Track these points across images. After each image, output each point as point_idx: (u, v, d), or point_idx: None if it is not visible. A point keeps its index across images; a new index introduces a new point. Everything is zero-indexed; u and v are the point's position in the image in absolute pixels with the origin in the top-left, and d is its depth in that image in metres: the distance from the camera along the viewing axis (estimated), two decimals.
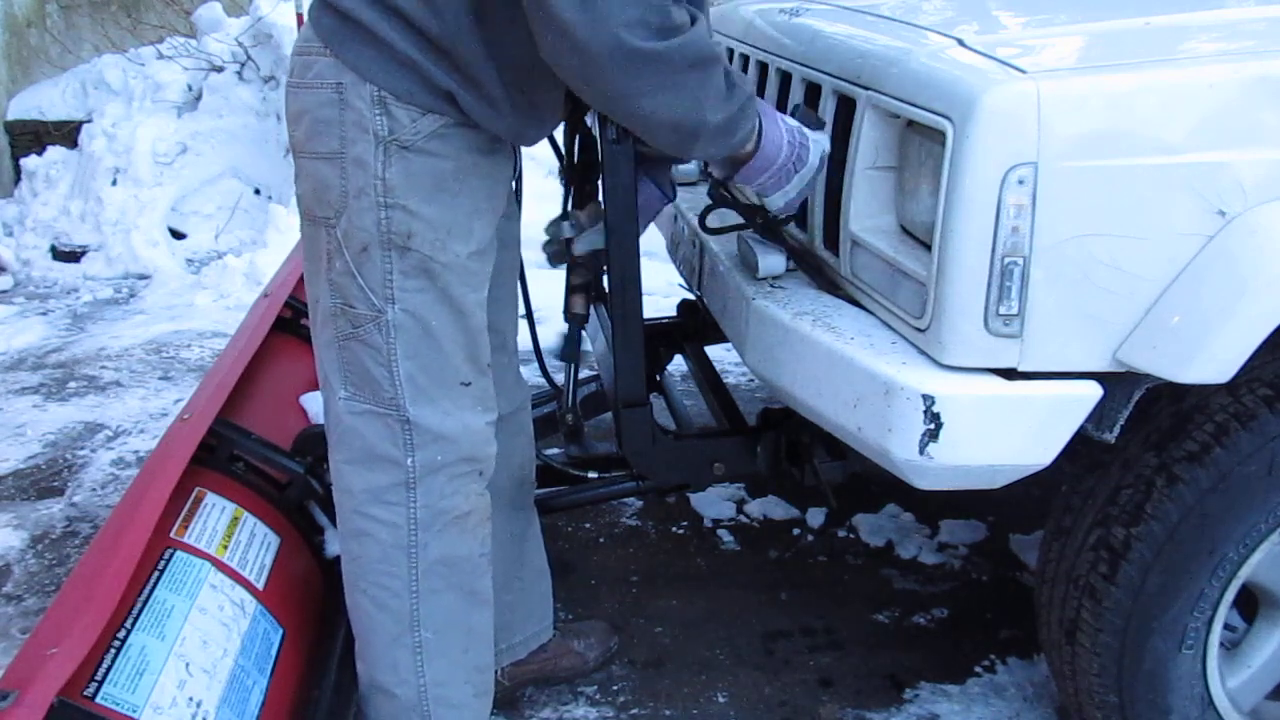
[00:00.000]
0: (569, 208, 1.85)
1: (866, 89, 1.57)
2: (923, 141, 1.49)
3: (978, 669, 2.12)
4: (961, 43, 1.53)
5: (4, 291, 4.62)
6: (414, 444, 1.48)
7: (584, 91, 1.33)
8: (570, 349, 1.93)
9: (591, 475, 2.13)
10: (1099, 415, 1.44)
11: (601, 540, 2.57)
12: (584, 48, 1.22)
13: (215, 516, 1.60)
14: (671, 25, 1.25)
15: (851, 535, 2.58)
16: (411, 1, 1.32)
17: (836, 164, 1.65)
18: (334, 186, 1.39)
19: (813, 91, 1.78)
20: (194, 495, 1.60)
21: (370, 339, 1.44)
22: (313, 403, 2.08)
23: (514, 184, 1.70)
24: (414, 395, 1.46)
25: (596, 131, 1.76)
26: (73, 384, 3.56)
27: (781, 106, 1.90)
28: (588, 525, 2.63)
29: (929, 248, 1.41)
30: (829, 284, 1.70)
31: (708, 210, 1.86)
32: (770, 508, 2.66)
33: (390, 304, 1.42)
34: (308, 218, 1.46)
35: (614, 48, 1.22)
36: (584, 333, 2.04)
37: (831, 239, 1.70)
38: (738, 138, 1.45)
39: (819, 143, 1.57)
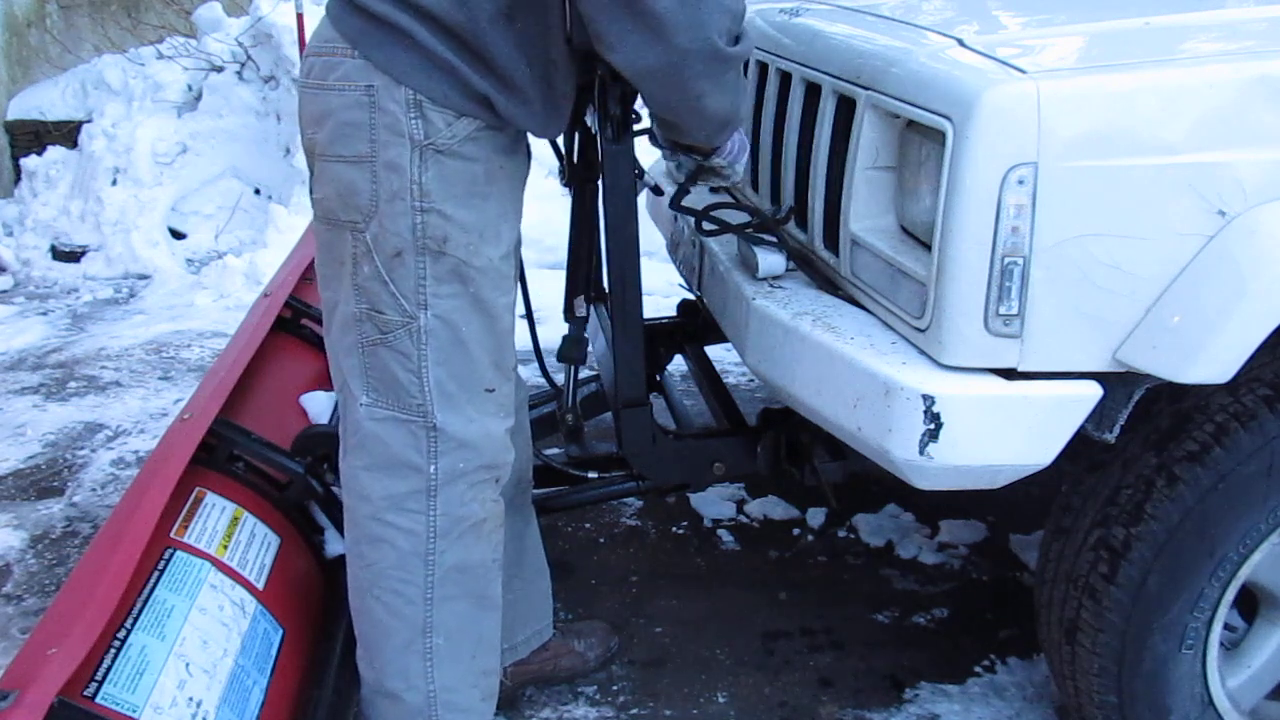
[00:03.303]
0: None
1: (866, 89, 1.57)
2: (923, 141, 1.49)
3: (978, 669, 2.12)
4: (961, 43, 1.53)
5: (4, 291, 4.62)
6: (438, 451, 1.47)
7: (656, 90, 1.39)
8: (569, 349, 1.92)
9: (591, 475, 2.13)
10: (1099, 415, 1.44)
11: (601, 540, 2.57)
12: (679, 50, 1.29)
13: (215, 516, 1.60)
14: (743, 32, 1.36)
15: (851, 535, 2.58)
16: (444, 4, 1.31)
17: (837, 164, 1.65)
18: (363, 191, 1.38)
19: (813, 91, 1.78)
20: (194, 495, 1.60)
21: (400, 345, 1.43)
22: (313, 403, 2.08)
23: None
24: (441, 402, 1.45)
25: (596, 131, 1.76)
26: (73, 384, 3.56)
27: (782, 107, 1.90)
28: (588, 525, 2.62)
29: (929, 248, 1.41)
30: (829, 284, 1.70)
31: (705, 212, 1.86)
32: (770, 508, 2.66)
33: (423, 310, 1.41)
34: (328, 221, 1.44)
35: (705, 51, 1.30)
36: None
37: (831, 239, 1.70)
38: (742, 118, 1.55)
39: None
